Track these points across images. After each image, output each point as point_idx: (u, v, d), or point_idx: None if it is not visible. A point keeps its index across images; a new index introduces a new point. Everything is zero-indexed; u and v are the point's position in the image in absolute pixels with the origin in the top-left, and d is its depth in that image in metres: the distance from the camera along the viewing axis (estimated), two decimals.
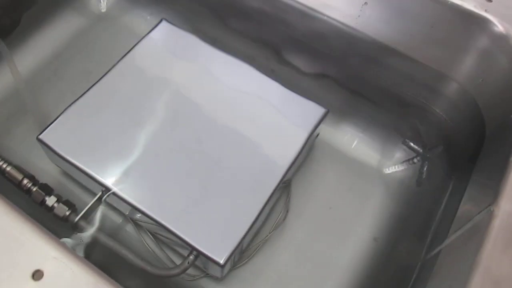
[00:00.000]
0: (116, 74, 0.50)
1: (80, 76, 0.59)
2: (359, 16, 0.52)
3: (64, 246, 0.32)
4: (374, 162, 0.56)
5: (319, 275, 0.49)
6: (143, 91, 0.50)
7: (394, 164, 0.56)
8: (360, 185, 0.55)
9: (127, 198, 0.43)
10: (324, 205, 0.53)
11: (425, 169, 0.55)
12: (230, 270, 0.47)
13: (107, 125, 0.47)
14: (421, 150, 0.55)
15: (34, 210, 0.37)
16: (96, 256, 0.43)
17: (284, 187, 0.51)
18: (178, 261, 0.46)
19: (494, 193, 0.36)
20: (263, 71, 0.52)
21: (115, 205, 0.47)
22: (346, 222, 0.52)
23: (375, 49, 0.53)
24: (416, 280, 0.45)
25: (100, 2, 0.65)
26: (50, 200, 0.44)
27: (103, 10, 0.65)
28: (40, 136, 0.45)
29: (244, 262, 0.48)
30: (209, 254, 0.40)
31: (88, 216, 0.45)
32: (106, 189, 0.43)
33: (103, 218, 0.49)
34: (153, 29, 0.54)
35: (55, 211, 0.44)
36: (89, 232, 0.44)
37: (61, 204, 0.44)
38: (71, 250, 0.32)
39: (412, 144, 0.56)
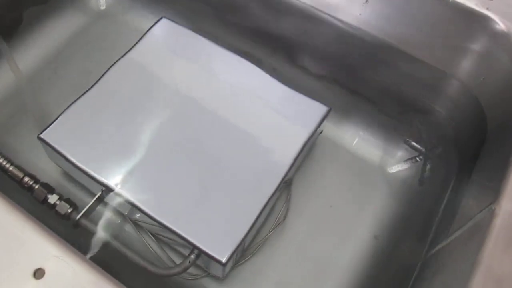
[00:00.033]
0: (116, 72, 0.50)
1: (80, 74, 0.59)
2: (360, 14, 0.52)
3: (65, 244, 0.32)
4: (375, 161, 0.56)
5: (319, 274, 0.49)
6: (144, 89, 0.49)
7: (397, 163, 0.56)
8: (361, 184, 0.55)
9: (128, 197, 0.43)
10: (325, 204, 0.53)
11: (427, 168, 0.54)
12: (231, 270, 0.47)
13: (108, 123, 0.47)
14: (423, 150, 0.55)
15: (36, 209, 0.37)
16: (97, 255, 0.43)
17: (285, 186, 0.51)
18: (178, 261, 0.46)
19: (495, 192, 0.36)
20: (264, 70, 0.52)
21: (115, 204, 0.47)
22: (347, 221, 0.52)
23: (376, 48, 0.53)
24: (417, 279, 0.45)
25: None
26: (52, 198, 0.44)
27: (102, 8, 0.65)
28: (41, 135, 0.45)
29: (244, 261, 0.48)
30: (211, 253, 0.40)
31: (89, 215, 0.45)
32: (107, 188, 0.43)
33: (103, 217, 0.49)
34: (153, 26, 0.54)
35: (57, 208, 0.44)
36: (91, 231, 0.44)
37: (63, 202, 0.44)
38: (73, 249, 0.32)
39: (414, 143, 0.56)
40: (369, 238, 0.51)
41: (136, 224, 0.48)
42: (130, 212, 0.46)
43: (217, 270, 0.43)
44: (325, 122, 0.50)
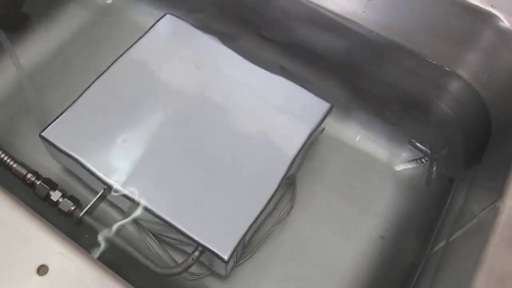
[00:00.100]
0: (119, 68, 0.50)
1: (85, 70, 0.59)
2: (363, 11, 0.51)
3: (69, 241, 0.32)
4: (380, 159, 0.56)
5: (322, 271, 0.49)
6: (146, 86, 0.49)
7: (402, 162, 0.56)
8: (366, 182, 0.54)
9: (131, 195, 0.43)
10: (329, 201, 0.53)
11: (434, 169, 0.54)
12: (234, 267, 0.47)
13: (109, 121, 0.46)
14: (428, 151, 0.55)
15: (39, 206, 0.37)
16: (100, 253, 0.43)
17: (289, 183, 0.51)
18: (180, 260, 0.45)
19: (499, 190, 0.36)
20: (268, 67, 0.51)
21: (117, 202, 0.47)
22: (351, 218, 0.52)
23: (380, 45, 0.52)
24: (420, 277, 0.45)
25: None
26: (55, 195, 0.44)
27: (109, 1, 0.65)
28: (43, 133, 0.45)
29: (247, 257, 0.48)
30: (213, 249, 0.40)
31: (92, 212, 0.45)
32: (109, 186, 0.43)
33: (105, 215, 0.49)
34: (157, 22, 0.54)
35: (60, 206, 0.44)
36: (94, 228, 0.44)
37: (66, 199, 0.44)
38: (76, 245, 0.32)
39: (418, 144, 0.55)
40: (374, 236, 0.51)
41: (138, 224, 0.47)
42: (133, 210, 0.45)
43: (220, 268, 0.43)
44: (330, 118, 0.49)
